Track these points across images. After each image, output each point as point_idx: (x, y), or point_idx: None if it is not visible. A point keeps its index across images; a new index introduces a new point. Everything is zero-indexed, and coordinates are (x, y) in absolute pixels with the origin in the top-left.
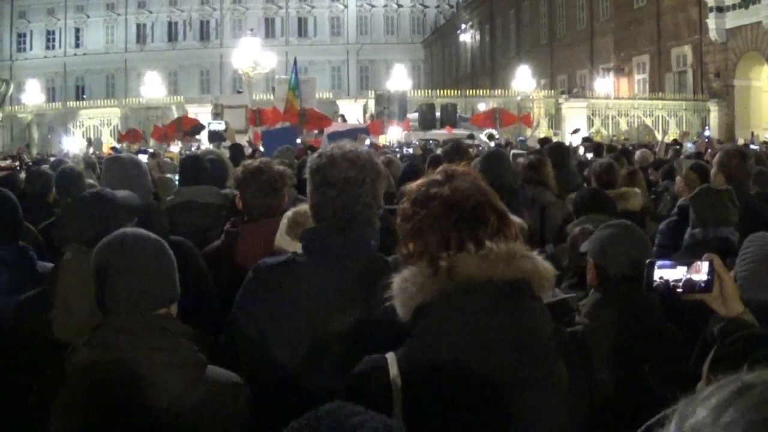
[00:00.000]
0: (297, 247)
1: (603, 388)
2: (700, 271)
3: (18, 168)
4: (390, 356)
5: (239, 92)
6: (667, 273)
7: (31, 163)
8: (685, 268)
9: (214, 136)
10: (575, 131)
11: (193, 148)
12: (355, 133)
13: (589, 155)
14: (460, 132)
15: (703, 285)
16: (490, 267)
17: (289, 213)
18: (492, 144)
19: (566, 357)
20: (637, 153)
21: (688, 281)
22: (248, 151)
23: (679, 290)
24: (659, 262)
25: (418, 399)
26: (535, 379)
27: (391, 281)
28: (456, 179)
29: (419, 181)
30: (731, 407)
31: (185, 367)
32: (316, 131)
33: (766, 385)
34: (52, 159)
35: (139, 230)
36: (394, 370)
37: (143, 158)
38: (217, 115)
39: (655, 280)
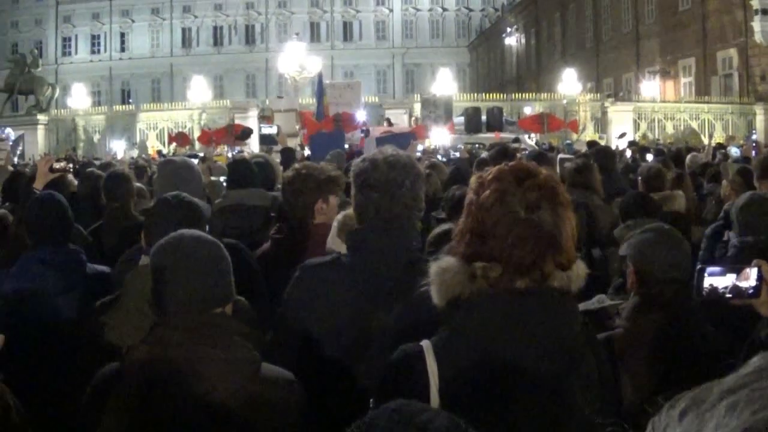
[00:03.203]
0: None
1: (642, 391)
2: (749, 278)
3: (70, 170)
4: (425, 344)
5: (279, 97)
6: (717, 280)
7: (79, 167)
8: (734, 275)
9: (266, 140)
10: (622, 135)
11: (232, 153)
12: (402, 138)
13: (650, 156)
14: (505, 136)
15: (751, 291)
16: (532, 281)
17: (339, 216)
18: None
19: (594, 351)
20: (689, 157)
21: (737, 287)
22: (299, 155)
23: (728, 296)
24: (709, 269)
25: (453, 386)
26: (567, 372)
27: (429, 267)
28: (539, 203)
29: (496, 190)
30: None
31: (240, 365)
32: (361, 133)
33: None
34: (97, 162)
35: (195, 232)
36: (430, 357)
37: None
38: (262, 118)
39: (705, 287)
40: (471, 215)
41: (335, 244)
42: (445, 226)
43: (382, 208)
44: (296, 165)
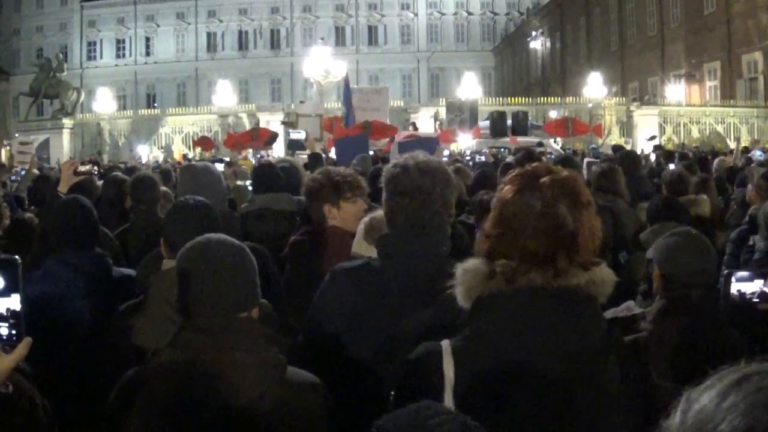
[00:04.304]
0: (373, 251)
1: (665, 395)
2: None
3: (95, 173)
4: (445, 343)
5: (302, 102)
6: (744, 285)
7: (104, 171)
8: (762, 281)
9: (294, 145)
10: (652, 138)
11: (256, 157)
12: (427, 143)
13: (671, 166)
14: (529, 140)
15: None
16: (546, 276)
17: (366, 219)
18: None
19: (619, 358)
20: (716, 161)
21: (765, 293)
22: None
23: (756, 301)
24: (737, 274)
25: (468, 386)
26: (585, 377)
27: (455, 270)
28: (556, 199)
29: (516, 186)
30: (732, 393)
31: (265, 368)
32: (387, 139)
33: (762, 374)
34: (122, 166)
35: (222, 236)
36: (447, 357)
37: (219, 167)
38: (286, 123)
39: (733, 293)
40: (493, 212)
41: (361, 248)
42: None
43: (413, 213)
44: (322, 169)
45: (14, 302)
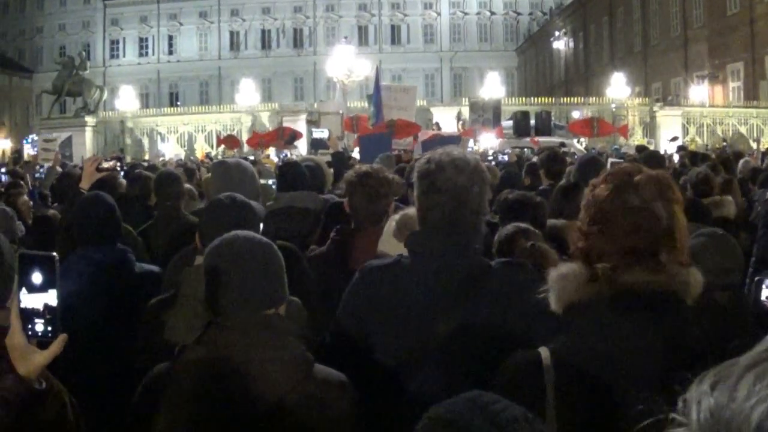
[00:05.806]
0: (402, 249)
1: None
2: None
3: (119, 170)
4: (543, 351)
5: (321, 101)
6: None
7: (127, 168)
8: None
9: (317, 144)
10: (673, 139)
11: (279, 156)
12: (449, 142)
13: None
14: (551, 140)
15: None
16: (648, 276)
17: (397, 216)
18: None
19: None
20: (740, 162)
21: None
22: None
23: None
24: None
25: (570, 392)
26: (683, 383)
27: (549, 272)
28: (653, 196)
29: (612, 184)
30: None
31: (293, 365)
32: (410, 138)
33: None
34: (144, 163)
35: (249, 233)
36: (547, 363)
37: None
38: (310, 122)
39: (763, 299)
40: (587, 212)
41: (388, 245)
42: (509, 229)
43: (448, 212)
44: (367, 168)
45: (51, 298)
